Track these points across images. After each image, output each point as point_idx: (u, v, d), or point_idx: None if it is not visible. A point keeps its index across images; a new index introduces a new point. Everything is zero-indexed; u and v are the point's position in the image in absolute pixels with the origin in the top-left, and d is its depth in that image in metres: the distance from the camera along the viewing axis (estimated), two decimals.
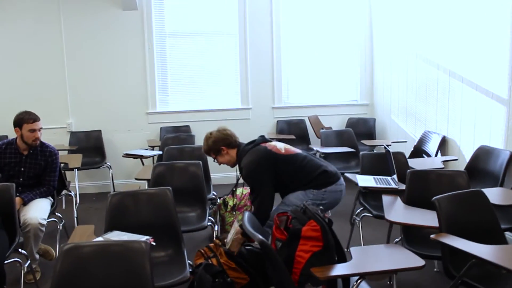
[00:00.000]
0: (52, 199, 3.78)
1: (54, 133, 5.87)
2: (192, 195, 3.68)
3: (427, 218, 2.67)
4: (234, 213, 4.15)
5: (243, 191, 4.31)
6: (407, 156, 4.11)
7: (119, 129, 6.17)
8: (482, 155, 4.04)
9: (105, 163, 5.87)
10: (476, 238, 2.29)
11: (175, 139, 5.45)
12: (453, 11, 4.57)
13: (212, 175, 4.53)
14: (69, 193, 4.51)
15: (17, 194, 3.45)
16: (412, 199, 3.04)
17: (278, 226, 2.36)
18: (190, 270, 2.62)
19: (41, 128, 3.63)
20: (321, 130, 5.75)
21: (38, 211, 3.44)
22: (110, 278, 2.00)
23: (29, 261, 3.17)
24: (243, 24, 6.26)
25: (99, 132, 6.03)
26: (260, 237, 2.09)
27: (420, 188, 3.13)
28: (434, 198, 2.53)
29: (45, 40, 5.89)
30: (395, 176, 3.51)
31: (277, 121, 6.42)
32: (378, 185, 3.39)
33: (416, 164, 3.97)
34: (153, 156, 5.34)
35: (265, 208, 2.96)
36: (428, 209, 2.77)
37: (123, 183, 5.87)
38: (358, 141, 5.61)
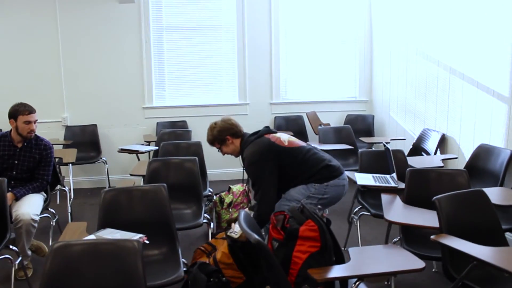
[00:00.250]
0: (45, 195, 3.72)
1: (49, 127, 5.80)
2: (188, 191, 3.63)
3: (426, 218, 2.62)
4: (230, 210, 4.10)
5: (240, 188, 4.26)
6: (406, 154, 4.05)
7: (115, 124, 6.10)
8: (482, 153, 3.99)
9: (101, 158, 5.81)
10: (477, 239, 2.25)
11: (171, 135, 5.39)
12: (454, 6, 4.51)
13: (208, 171, 4.48)
14: (64, 188, 4.46)
15: (10, 189, 3.40)
16: (412, 198, 2.99)
17: (275, 226, 2.30)
18: (185, 269, 2.56)
19: (36, 120, 3.57)
20: (319, 127, 5.69)
21: (30, 206, 3.38)
22: (101, 278, 1.95)
23: (20, 258, 3.11)
24: (242, 18, 6.18)
25: (94, 126, 5.96)
26: (256, 236, 2.04)
27: (420, 187, 3.08)
28: (434, 197, 2.47)
29: (40, 32, 5.81)
30: (394, 175, 3.46)
31: (275, 117, 6.36)
32: (377, 184, 3.34)
33: (416, 162, 3.93)
34: (148, 152, 5.28)
35: (268, 200, 2.90)
36: (427, 208, 2.72)
37: (119, 178, 5.81)
38: (356, 138, 5.56)
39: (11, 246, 3.05)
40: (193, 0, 6.16)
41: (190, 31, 6.22)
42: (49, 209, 3.78)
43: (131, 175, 4.08)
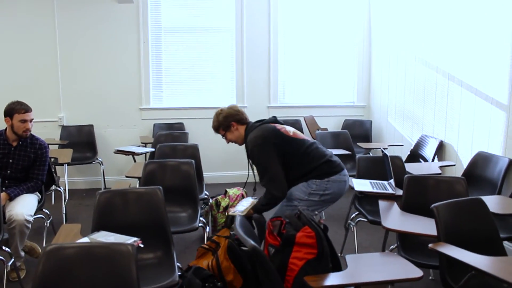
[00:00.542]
0: (39, 195, 3.69)
1: (45, 127, 5.76)
2: (184, 194, 3.60)
3: (424, 225, 2.59)
4: (226, 214, 4.07)
5: (236, 191, 4.24)
6: (403, 160, 4.04)
7: (111, 125, 6.07)
8: (480, 161, 3.98)
9: (97, 158, 5.77)
10: (475, 247, 2.22)
11: (168, 136, 5.36)
12: (454, 13, 4.51)
13: (205, 174, 4.45)
14: (58, 188, 4.42)
15: (3, 188, 3.37)
16: (409, 205, 2.97)
17: (272, 231, 2.27)
18: (179, 273, 2.53)
19: (32, 119, 3.54)
20: (317, 131, 5.67)
21: (24, 207, 3.34)
22: (94, 282, 1.91)
23: (13, 259, 3.07)
24: (240, 21, 6.17)
25: (91, 126, 5.93)
26: (252, 242, 2.01)
27: (417, 194, 3.06)
28: (432, 205, 2.45)
29: (38, 31, 5.77)
30: (392, 181, 3.44)
31: None
32: (375, 190, 3.31)
33: (413, 168, 3.91)
34: (145, 153, 5.25)
35: (278, 185, 2.84)
36: (425, 215, 2.70)
37: (114, 179, 5.77)
38: (354, 144, 5.54)
39: (3, 247, 3.01)
40: (192, 2, 6.14)
41: (188, 32, 6.20)
42: (44, 209, 3.74)
43: (127, 176, 4.04)
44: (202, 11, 6.17)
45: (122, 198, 2.82)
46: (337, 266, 2.21)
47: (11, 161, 3.53)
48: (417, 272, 2.02)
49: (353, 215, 3.72)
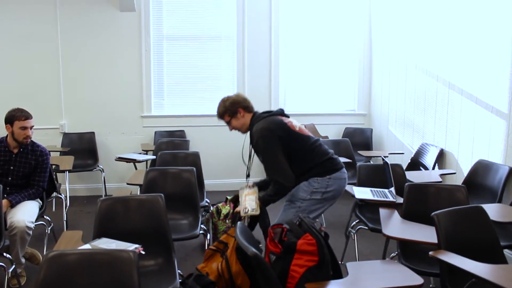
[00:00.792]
0: (40, 202, 3.69)
1: (46, 134, 5.78)
2: (185, 202, 3.60)
3: (425, 233, 2.59)
4: (227, 221, 4.07)
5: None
6: (404, 168, 4.04)
7: (112, 132, 6.08)
8: (481, 169, 3.99)
9: (98, 166, 5.78)
10: (476, 255, 2.22)
11: (169, 144, 5.38)
12: (454, 22, 4.53)
13: (206, 182, 4.46)
14: (60, 195, 4.42)
15: (5, 195, 3.37)
16: (410, 213, 2.97)
17: (273, 239, 2.28)
18: (180, 280, 2.53)
19: (32, 126, 3.56)
20: None
21: (25, 213, 3.35)
22: None
23: (14, 266, 3.07)
24: (242, 29, 6.20)
25: (92, 134, 5.94)
26: (253, 250, 2.01)
27: (418, 202, 3.06)
28: (433, 213, 2.46)
29: (41, 39, 5.81)
30: (392, 189, 3.44)
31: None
32: (375, 198, 3.32)
33: (414, 176, 3.91)
34: (146, 161, 5.26)
35: (286, 174, 2.84)
36: (426, 223, 2.70)
37: (115, 187, 5.78)
38: (354, 152, 5.55)
39: (4, 254, 3.02)
40: (194, 10, 6.18)
41: (190, 40, 6.24)
42: (45, 216, 3.75)
43: (128, 184, 4.05)
44: (203, 19, 6.21)
45: (124, 205, 2.83)
46: (338, 273, 2.21)
47: (12, 168, 3.55)
48: (417, 280, 2.02)
49: (354, 222, 3.73)
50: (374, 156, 5.68)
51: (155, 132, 6.10)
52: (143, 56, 6.04)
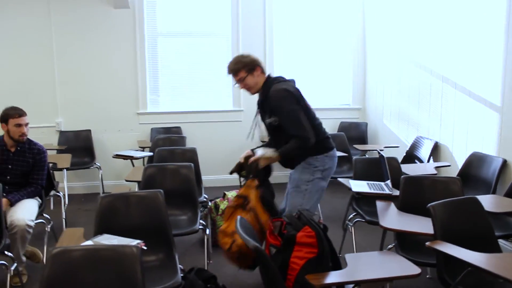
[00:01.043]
0: (40, 200, 3.71)
1: (42, 132, 5.77)
2: (183, 197, 3.63)
3: (421, 224, 2.65)
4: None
5: (235, 194, 4.27)
6: (399, 161, 4.09)
7: (109, 129, 6.09)
8: (475, 161, 4.05)
9: (95, 163, 5.79)
10: (471, 245, 2.27)
11: (166, 140, 5.39)
12: (448, 16, 4.58)
13: (203, 177, 4.49)
14: (58, 193, 4.44)
15: (4, 194, 3.38)
16: (406, 205, 3.02)
17: (272, 232, 2.32)
18: (181, 275, 2.57)
19: (27, 123, 3.58)
20: None
21: (25, 212, 3.37)
22: (100, 284, 1.95)
23: (15, 264, 3.09)
24: (236, 25, 6.22)
25: (88, 131, 5.95)
26: (254, 243, 2.05)
27: (414, 194, 3.11)
28: (429, 204, 2.51)
29: (34, 37, 5.80)
30: (388, 182, 3.49)
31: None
32: (372, 191, 3.36)
33: (409, 169, 3.96)
34: (143, 158, 5.28)
35: (308, 130, 2.89)
36: (422, 215, 2.75)
37: (113, 184, 5.79)
38: (350, 146, 5.59)
39: (6, 252, 3.03)
40: (188, 6, 6.18)
41: (184, 37, 6.25)
42: (44, 214, 3.76)
43: (127, 180, 4.07)
44: (198, 16, 6.21)
45: (124, 202, 2.85)
46: (337, 265, 2.26)
47: (10, 167, 3.56)
48: (415, 270, 2.07)
49: (351, 215, 3.77)
50: (369, 150, 5.73)
51: (151, 129, 6.11)
52: (137, 53, 6.04)
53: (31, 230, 3.31)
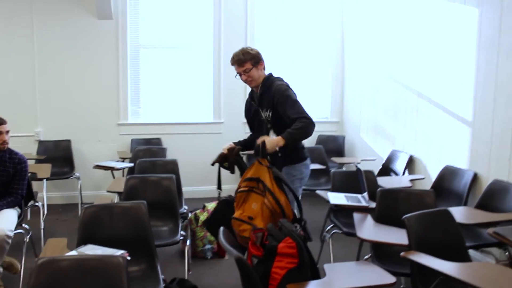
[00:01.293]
0: (19, 210, 3.69)
1: (21, 142, 5.68)
2: (165, 209, 3.67)
3: (396, 235, 2.75)
4: (204, 228, 4.14)
5: (214, 206, 4.32)
6: (375, 174, 4.21)
7: (89, 140, 6.08)
8: (447, 174, 4.20)
9: (74, 173, 5.76)
10: (443, 255, 2.38)
11: (146, 152, 5.42)
12: (423, 35, 4.76)
13: (183, 189, 4.52)
14: (36, 203, 4.40)
15: None
16: (382, 217, 3.13)
17: (254, 243, 2.39)
18: (164, 285, 2.61)
19: (8, 131, 3.57)
20: None
21: (5, 222, 3.36)
22: None
23: None
24: (218, 38, 6.30)
25: (68, 141, 5.92)
26: (237, 253, 2.12)
27: (390, 207, 3.22)
28: (404, 216, 2.61)
29: (16, 46, 5.77)
30: (365, 194, 3.60)
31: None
32: (349, 203, 3.46)
33: (385, 182, 4.08)
34: (123, 169, 5.29)
35: (308, 116, 3.05)
36: (397, 226, 2.85)
37: (91, 194, 5.76)
38: (327, 158, 5.71)
39: None
40: (170, 19, 6.25)
41: (166, 49, 6.30)
42: (23, 225, 3.74)
43: (108, 191, 4.08)
44: (180, 28, 6.27)
45: (108, 212, 2.89)
46: (316, 274, 2.34)
47: None
48: (390, 279, 2.16)
49: (329, 227, 3.86)
50: (346, 163, 5.85)
51: (132, 140, 6.13)
52: (120, 64, 6.07)
53: (10, 241, 3.29)
